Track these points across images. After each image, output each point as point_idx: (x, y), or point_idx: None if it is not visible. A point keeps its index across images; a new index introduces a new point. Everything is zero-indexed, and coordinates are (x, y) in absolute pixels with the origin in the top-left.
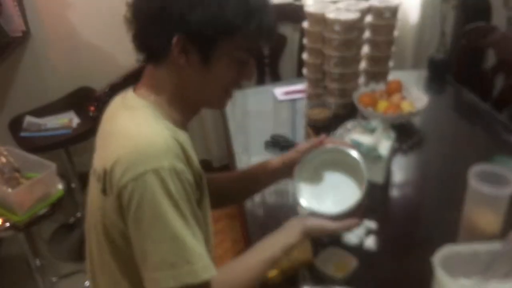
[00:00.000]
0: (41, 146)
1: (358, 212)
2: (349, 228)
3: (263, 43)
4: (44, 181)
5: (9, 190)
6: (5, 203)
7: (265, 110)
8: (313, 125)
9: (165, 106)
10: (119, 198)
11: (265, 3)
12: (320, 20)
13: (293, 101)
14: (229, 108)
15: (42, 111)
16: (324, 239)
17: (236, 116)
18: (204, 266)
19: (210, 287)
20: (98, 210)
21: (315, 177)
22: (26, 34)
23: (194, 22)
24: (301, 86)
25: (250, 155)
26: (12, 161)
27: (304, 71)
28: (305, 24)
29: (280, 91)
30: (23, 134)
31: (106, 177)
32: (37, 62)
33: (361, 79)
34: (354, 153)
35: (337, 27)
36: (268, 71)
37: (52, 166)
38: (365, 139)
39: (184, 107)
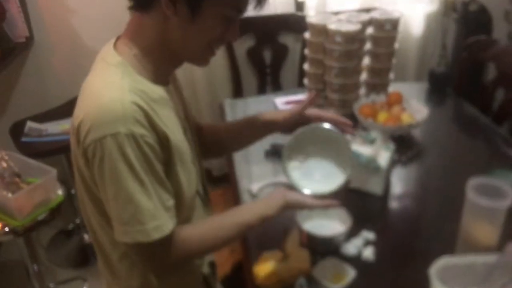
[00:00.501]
0: (42, 151)
1: (340, 194)
2: (327, 207)
3: (252, 4)
4: (44, 186)
5: (9, 195)
6: (5, 208)
7: None
8: None
9: (143, 60)
10: (85, 155)
11: None
12: (321, 31)
13: None
14: (229, 116)
15: (44, 117)
16: (321, 249)
17: None
18: (156, 226)
19: (168, 243)
20: (75, 161)
21: (305, 154)
22: (30, 40)
23: None
24: (302, 96)
25: (250, 164)
26: (12, 166)
27: (305, 81)
28: (307, 35)
29: (281, 101)
30: (24, 139)
31: (76, 132)
32: (39, 68)
33: (362, 90)
34: (346, 139)
35: (338, 38)
36: (270, 81)
37: (53, 171)
38: (365, 150)
39: (165, 58)
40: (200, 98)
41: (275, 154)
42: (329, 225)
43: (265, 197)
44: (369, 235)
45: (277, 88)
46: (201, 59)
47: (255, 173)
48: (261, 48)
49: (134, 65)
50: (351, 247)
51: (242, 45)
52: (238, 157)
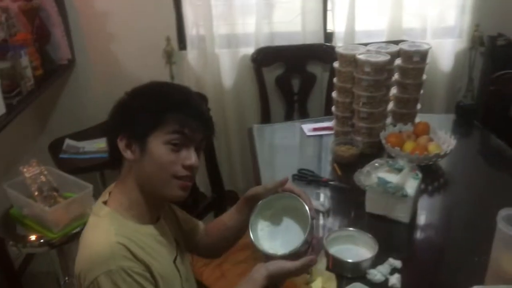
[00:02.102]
0: (78, 167)
1: (306, 251)
2: (308, 266)
3: (193, 128)
4: (80, 201)
5: (47, 208)
6: (42, 220)
7: (292, 145)
8: (339, 162)
9: (129, 207)
10: None
11: (187, 96)
12: (351, 60)
13: (321, 137)
14: (257, 141)
15: (81, 135)
16: (348, 274)
17: (264, 150)
18: None
19: None
20: None
21: (273, 217)
22: (71, 62)
23: (128, 123)
24: (329, 123)
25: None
26: (51, 180)
27: (333, 109)
28: (336, 64)
29: (308, 127)
30: (62, 155)
31: (77, 282)
32: (79, 89)
33: (389, 120)
34: (304, 204)
35: (367, 68)
36: (297, 108)
37: (89, 187)
38: (392, 178)
39: (147, 202)
40: (229, 124)
41: (302, 178)
42: (355, 250)
43: (249, 276)
44: (395, 262)
45: (304, 115)
46: (174, 191)
47: None
48: (290, 76)
49: (121, 213)
50: (378, 274)
51: (272, 73)
52: (266, 180)
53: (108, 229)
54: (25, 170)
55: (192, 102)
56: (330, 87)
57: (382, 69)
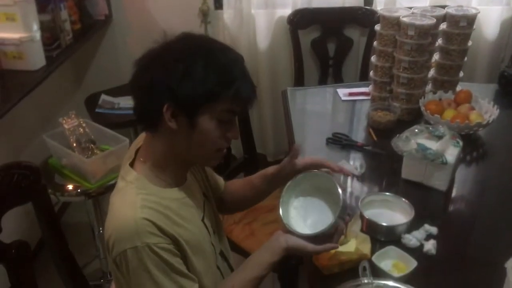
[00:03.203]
0: (113, 122)
1: (332, 234)
2: (325, 251)
3: (243, 106)
4: (117, 153)
5: (85, 159)
6: (80, 171)
7: (326, 109)
8: (376, 128)
9: (157, 171)
10: (114, 263)
11: (243, 72)
12: (393, 23)
13: (356, 102)
14: (291, 104)
15: (117, 91)
16: (382, 237)
17: (297, 113)
18: None
19: None
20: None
21: (304, 196)
22: (108, 18)
23: (180, 92)
24: (365, 89)
25: (310, 150)
26: (89, 132)
27: (371, 73)
28: (378, 27)
29: (343, 92)
30: (98, 110)
31: (106, 244)
32: (115, 45)
33: (428, 87)
34: (338, 186)
35: (411, 32)
36: (331, 73)
37: (126, 140)
38: (432, 144)
39: (177, 165)
40: (261, 86)
41: (337, 142)
42: (390, 215)
43: (268, 244)
44: (431, 228)
45: (338, 80)
46: (210, 161)
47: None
48: (326, 39)
49: (149, 177)
50: (413, 239)
51: (308, 36)
52: (299, 143)
53: (134, 200)
54: (64, 121)
55: (248, 78)
56: (367, 52)
57: (427, 33)
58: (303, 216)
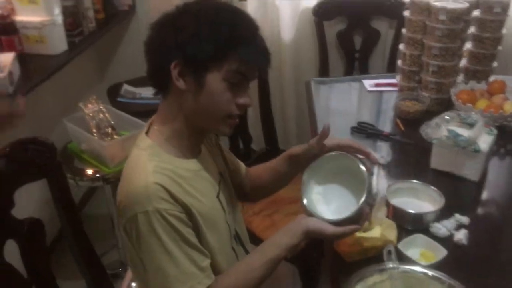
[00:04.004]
0: (134, 112)
1: (357, 220)
2: (347, 235)
3: (252, 69)
4: (136, 138)
5: (104, 142)
6: (99, 155)
7: (352, 100)
8: (403, 118)
9: (171, 140)
10: (125, 230)
11: (253, 35)
12: (424, 8)
13: (383, 93)
14: (315, 95)
15: (138, 82)
16: (409, 226)
17: (321, 103)
18: None
19: None
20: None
21: (326, 180)
22: (132, 9)
23: (188, 50)
24: (392, 80)
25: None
26: (109, 118)
27: (399, 62)
28: (406, 13)
29: (369, 83)
30: (119, 99)
31: (118, 210)
32: (138, 36)
33: (460, 78)
34: (364, 169)
35: (442, 16)
36: (357, 66)
37: (144, 126)
38: (464, 132)
39: (190, 134)
40: (284, 79)
41: (362, 131)
42: (418, 204)
43: (288, 225)
44: (462, 218)
45: (365, 74)
46: (222, 129)
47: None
48: (352, 31)
49: (163, 146)
50: (442, 228)
51: (333, 28)
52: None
53: (147, 165)
54: (84, 106)
55: (259, 39)
56: (395, 45)
57: (459, 18)
58: (327, 201)
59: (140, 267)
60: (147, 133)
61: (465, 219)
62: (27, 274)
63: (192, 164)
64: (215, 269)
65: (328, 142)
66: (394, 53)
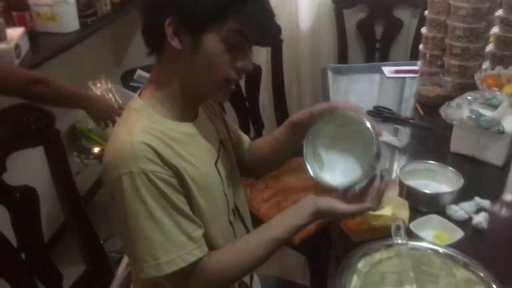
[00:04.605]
0: None
1: (367, 189)
2: (361, 213)
3: (255, 30)
4: None
5: (111, 125)
6: (105, 134)
7: (370, 86)
8: (423, 103)
9: (165, 102)
10: (109, 193)
11: None
12: None
13: (403, 80)
14: (332, 81)
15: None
16: (425, 207)
17: (338, 89)
18: (169, 260)
19: (194, 272)
20: None
21: (330, 143)
22: None
23: (184, 5)
24: (413, 67)
25: None
26: (117, 98)
27: (421, 47)
28: None
29: (389, 69)
30: (132, 84)
31: (102, 173)
32: None
33: (485, 65)
34: (370, 127)
35: None
36: (378, 56)
37: None
38: (487, 112)
39: (185, 98)
40: (301, 68)
41: (378, 115)
42: (434, 186)
43: (295, 206)
44: (482, 201)
45: None
46: (218, 95)
47: None
48: (373, 20)
49: (155, 107)
50: (460, 210)
51: (353, 16)
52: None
53: (135, 125)
54: (93, 85)
55: (264, 2)
56: (419, 35)
57: None
58: (330, 166)
59: (125, 235)
60: (140, 95)
61: (486, 203)
62: (17, 244)
63: (187, 127)
64: (209, 242)
65: (336, 109)
66: (417, 43)
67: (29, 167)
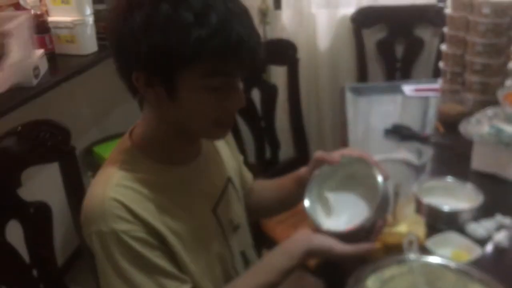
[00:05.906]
0: None
1: (369, 234)
2: (360, 254)
3: (231, 60)
4: None
5: None
6: None
7: (389, 105)
8: (444, 121)
9: (156, 143)
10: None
11: (225, 16)
12: (466, 4)
13: (424, 99)
14: (350, 100)
15: None
16: (442, 225)
17: (356, 108)
18: None
19: None
20: None
21: (336, 189)
22: None
23: (145, 56)
24: (434, 85)
25: (367, 143)
26: None
27: (441, 64)
28: (448, 10)
29: (409, 88)
30: None
31: None
32: None
33: (509, 82)
34: (378, 173)
35: (485, 10)
36: (399, 76)
37: None
38: (508, 127)
39: (177, 138)
40: (320, 89)
41: (396, 133)
42: (453, 203)
43: (288, 241)
44: (504, 220)
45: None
46: (211, 136)
47: (373, 148)
48: (393, 40)
49: (144, 149)
50: (480, 228)
51: (373, 36)
52: (353, 135)
53: (113, 176)
54: None
55: (242, 21)
56: (439, 54)
57: (505, 12)
58: (336, 212)
59: None
60: (131, 133)
61: (508, 221)
62: (29, 259)
63: (178, 173)
64: None
65: (335, 154)
66: (438, 64)
67: (45, 186)
